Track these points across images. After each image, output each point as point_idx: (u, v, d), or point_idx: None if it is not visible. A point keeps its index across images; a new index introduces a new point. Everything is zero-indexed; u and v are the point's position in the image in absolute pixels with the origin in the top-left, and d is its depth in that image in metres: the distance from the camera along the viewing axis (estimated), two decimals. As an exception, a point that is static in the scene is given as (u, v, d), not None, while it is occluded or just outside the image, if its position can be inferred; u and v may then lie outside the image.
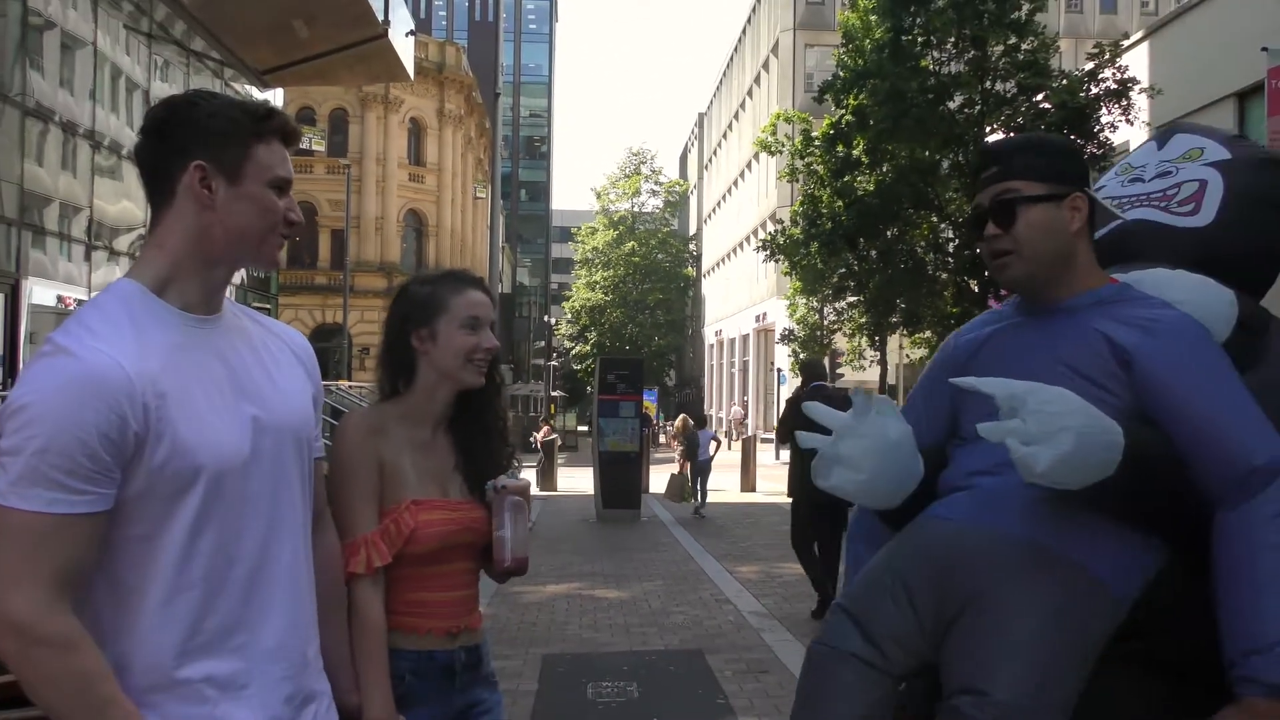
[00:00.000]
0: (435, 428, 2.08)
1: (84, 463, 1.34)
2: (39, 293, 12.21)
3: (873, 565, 1.76)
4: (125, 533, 1.41)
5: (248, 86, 20.51)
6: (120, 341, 1.40)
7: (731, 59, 50.67)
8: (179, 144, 1.49)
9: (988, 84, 17.78)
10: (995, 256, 1.78)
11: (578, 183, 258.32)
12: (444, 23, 67.23)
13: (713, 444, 16.06)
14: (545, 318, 57.06)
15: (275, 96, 22.79)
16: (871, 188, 18.33)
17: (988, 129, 17.77)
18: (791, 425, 7.19)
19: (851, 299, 21.03)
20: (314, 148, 33.49)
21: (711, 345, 53.81)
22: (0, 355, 11.31)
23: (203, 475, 1.44)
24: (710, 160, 57.84)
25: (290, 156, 1.59)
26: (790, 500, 7.90)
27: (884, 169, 18.38)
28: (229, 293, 1.65)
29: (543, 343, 57.13)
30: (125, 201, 14.58)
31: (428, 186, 41.14)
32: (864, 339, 22.40)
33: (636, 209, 54.30)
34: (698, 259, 58.21)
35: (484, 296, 2.13)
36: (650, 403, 36.04)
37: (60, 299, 12.82)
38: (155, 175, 1.51)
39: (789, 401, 8.10)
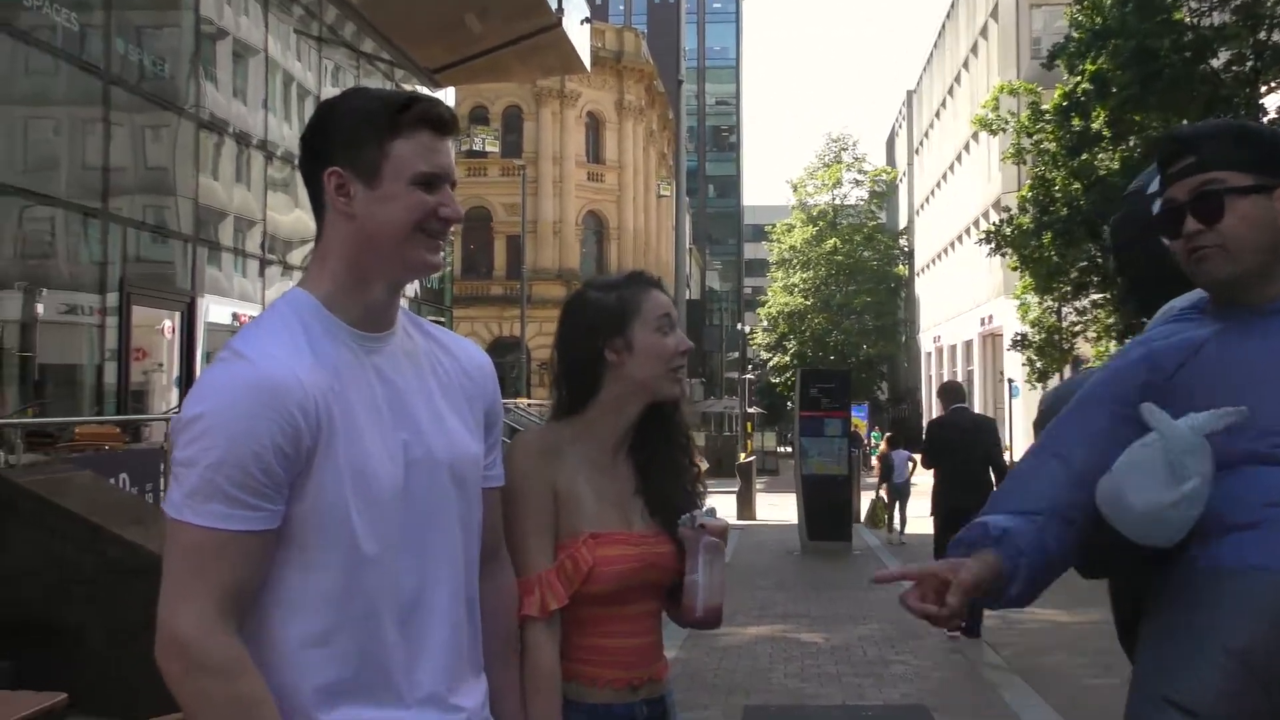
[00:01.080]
0: (617, 449, 2.07)
1: (258, 476, 1.40)
2: (215, 311, 13.20)
3: (1181, 644, 1.58)
4: (279, 558, 1.46)
5: (419, 88, 21.64)
6: (296, 350, 1.47)
7: (944, 27, 49.27)
8: (319, 151, 1.54)
9: (1261, 35, 16.41)
10: (1194, 254, 1.75)
11: (771, 176, 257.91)
12: (621, 7, 68.79)
13: (908, 464, 15.75)
14: (739, 326, 57.22)
15: (447, 96, 23.91)
16: (1116, 165, 17.33)
17: (1262, 89, 16.43)
18: (935, 449, 8.89)
19: (1095, 296, 19.95)
20: (487, 149, 34.95)
21: (929, 353, 52.33)
22: (177, 376, 12.30)
23: (359, 503, 1.47)
24: (921, 144, 56.40)
25: (454, 152, 1.59)
26: (933, 518, 8.96)
27: (1130, 143, 17.38)
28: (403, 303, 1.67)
29: (736, 354, 57.27)
30: (298, 211, 15.58)
31: (608, 185, 42.04)
32: (1111, 343, 21.10)
33: (838, 202, 53.65)
34: (910, 255, 56.83)
35: (666, 297, 2.14)
36: (860, 419, 35.43)
37: (235, 316, 13.82)
38: (309, 186, 1.57)
39: (930, 425, 9.29)
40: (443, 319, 21.48)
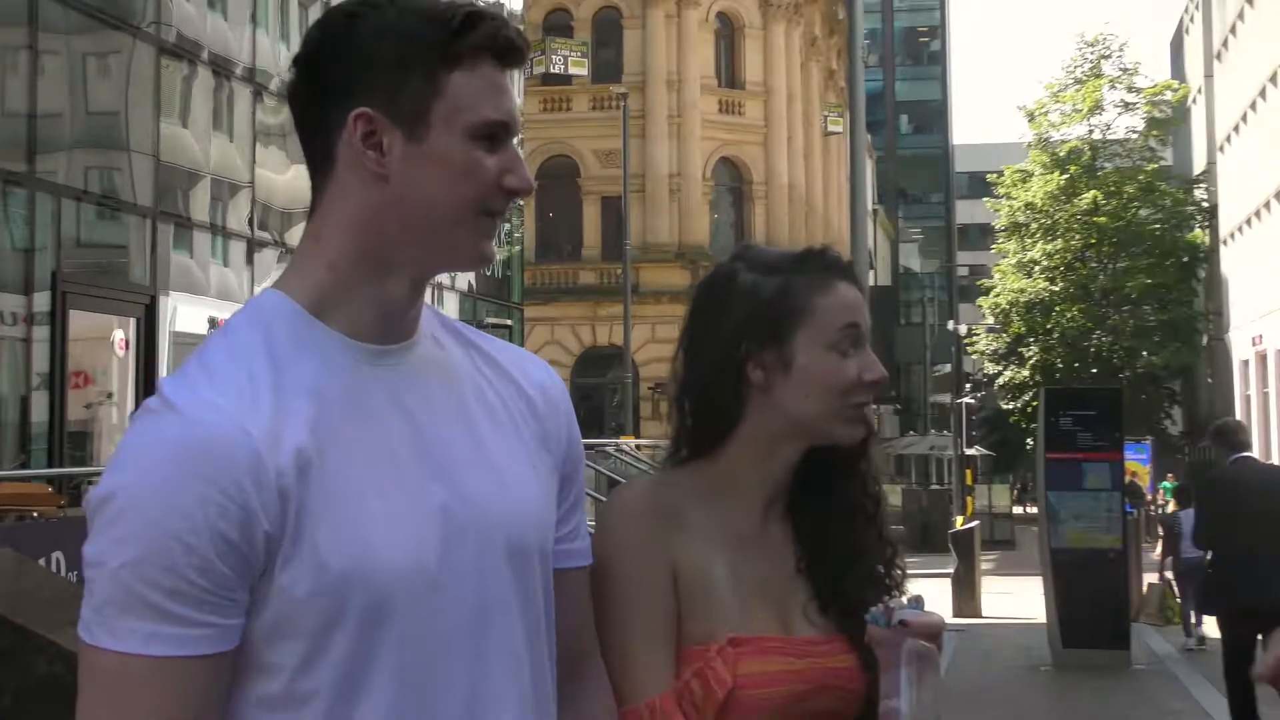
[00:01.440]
0: (768, 510, 2.08)
1: (193, 579, 1.41)
2: (184, 314, 13.59)
3: None
4: (250, 691, 1.48)
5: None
6: (250, 388, 1.49)
7: None
8: (334, 82, 1.56)
9: None
10: None
11: (994, 99, 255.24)
12: None
13: None
14: (950, 324, 56.56)
15: (511, -4, 24.34)
16: None
17: None
18: (1211, 522, 9.20)
19: None
20: (571, 71, 35.34)
21: (1244, 361, 50.99)
22: (133, 410, 12.69)
23: (360, 602, 1.49)
24: (1225, 44, 55.15)
25: (515, 83, 1.63)
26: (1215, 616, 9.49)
27: None
28: (430, 295, 1.71)
29: (948, 366, 56.65)
30: (297, 169, 15.93)
31: (749, 120, 42.10)
32: None
33: (1097, 135, 52.77)
34: (1211, 214, 55.57)
35: (857, 293, 2.12)
36: (1139, 464, 34.67)
37: (213, 322, 14.22)
38: (308, 130, 1.61)
39: (1203, 484, 10.02)
40: (508, 322, 21.81)
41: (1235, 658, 8.74)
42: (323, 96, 1.57)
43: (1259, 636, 7.94)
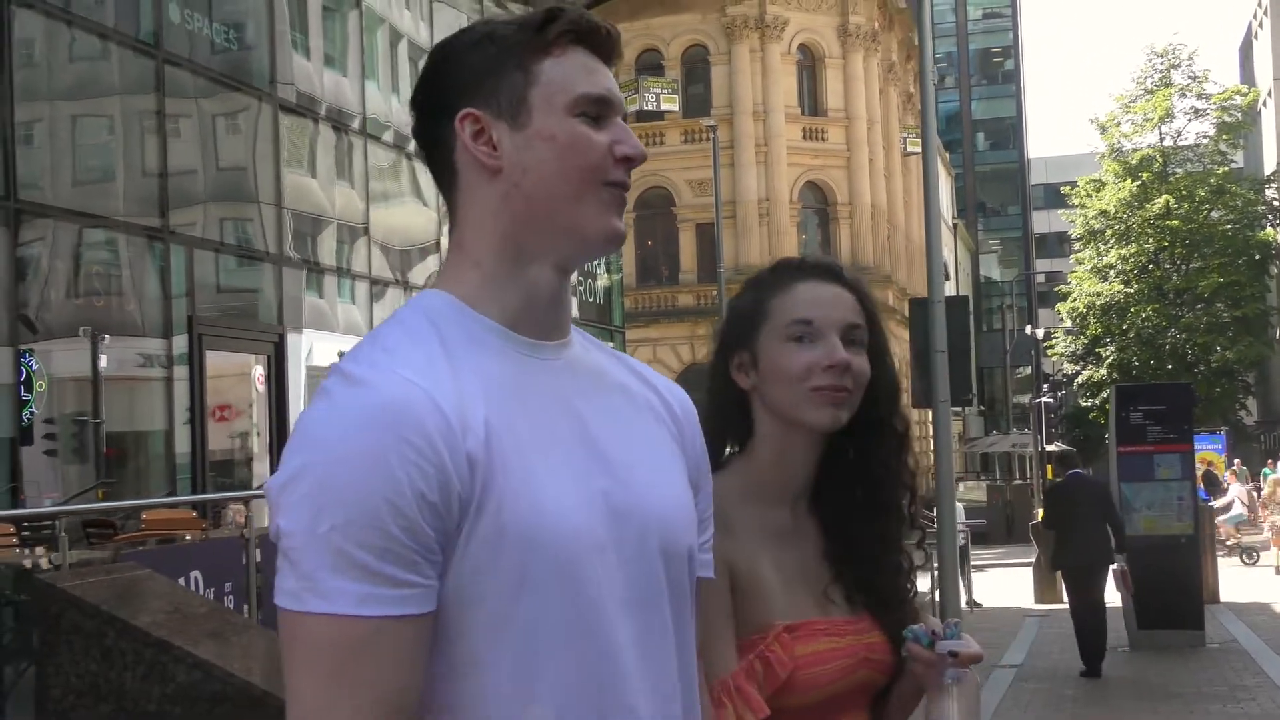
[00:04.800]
0: (795, 505, 2.13)
1: (401, 538, 1.37)
2: (318, 350, 13.81)
3: None
4: (437, 658, 1.43)
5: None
6: (430, 365, 1.45)
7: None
8: (442, 99, 1.57)
9: None
10: None
11: (1068, 114, 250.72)
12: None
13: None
14: (1029, 328, 55.76)
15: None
16: None
17: None
18: (1052, 515, 13.20)
19: None
20: (663, 107, 35.30)
21: (1317, 353, 49.81)
22: (271, 441, 12.95)
23: (541, 565, 1.45)
24: (1291, 49, 53.90)
25: (618, 86, 1.59)
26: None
27: None
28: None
29: (1028, 369, 55.82)
30: (407, 206, 16.05)
31: (832, 145, 41.84)
32: None
33: (1168, 143, 51.74)
34: (1281, 212, 54.29)
35: (833, 289, 2.14)
36: (1214, 454, 33.92)
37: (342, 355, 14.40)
38: (432, 149, 1.60)
39: (1050, 489, 13.27)
40: (611, 344, 21.86)
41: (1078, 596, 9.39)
42: (436, 115, 1.57)
43: None
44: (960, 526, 20.43)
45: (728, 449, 2.18)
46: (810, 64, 42.03)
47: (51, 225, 10.73)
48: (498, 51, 1.55)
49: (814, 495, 2.15)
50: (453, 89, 1.56)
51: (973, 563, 20.80)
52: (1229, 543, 23.85)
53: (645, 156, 1.59)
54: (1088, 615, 12.40)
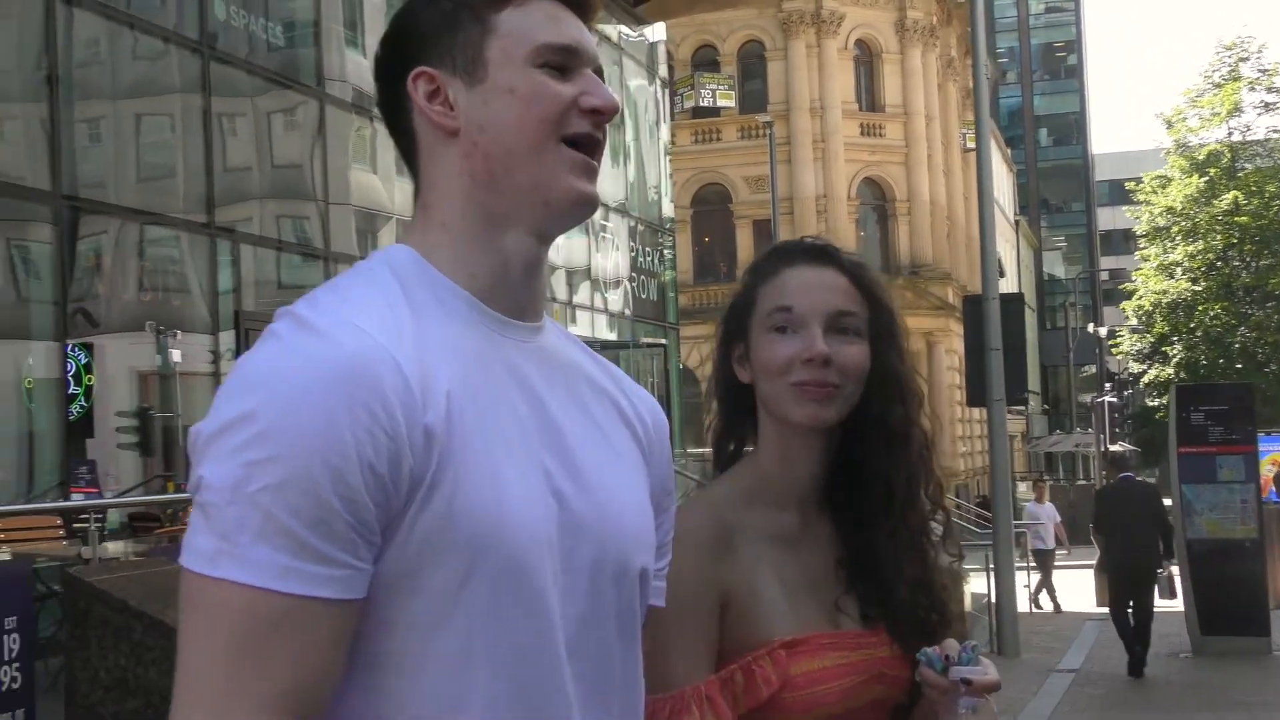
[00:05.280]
0: (804, 508, 2.03)
1: (338, 510, 1.23)
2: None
3: None
4: (361, 651, 1.30)
5: (619, 27, 22.17)
6: (396, 326, 1.32)
7: None
8: (399, 59, 1.47)
9: None
10: None
11: (1132, 110, 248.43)
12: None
13: None
14: (1092, 327, 55.30)
15: (655, 32, 24.43)
16: None
17: None
18: (1101, 519, 13.22)
19: None
20: (719, 103, 35.31)
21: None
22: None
23: (492, 563, 1.31)
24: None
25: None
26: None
27: None
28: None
29: (1092, 368, 55.37)
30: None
31: (890, 141, 41.70)
32: None
33: (1236, 138, 51.13)
34: (1353, 208, 53.56)
35: (823, 274, 2.02)
36: (1280, 455, 33.43)
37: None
38: (391, 115, 1.50)
39: (1098, 494, 13.54)
40: (664, 341, 21.81)
41: (1117, 602, 9.68)
42: (393, 79, 1.47)
43: None
44: (1035, 527, 20.30)
45: (732, 449, 2.10)
46: (867, 59, 41.97)
47: (110, 222, 10.87)
48: (454, 6, 1.45)
49: (828, 497, 2.04)
50: (408, 49, 1.46)
51: (1031, 564, 20.60)
52: None
53: (617, 108, 1.46)
54: (1134, 618, 12.43)
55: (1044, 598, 20.05)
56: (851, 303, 1.99)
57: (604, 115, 1.44)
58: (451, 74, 1.43)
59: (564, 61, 1.43)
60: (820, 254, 2.05)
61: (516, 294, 1.44)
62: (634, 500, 1.51)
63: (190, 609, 1.23)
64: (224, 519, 1.21)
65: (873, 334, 1.99)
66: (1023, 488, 32.35)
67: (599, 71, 1.47)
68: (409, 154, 1.48)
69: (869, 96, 41.91)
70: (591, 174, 1.45)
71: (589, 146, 1.44)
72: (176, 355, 10.91)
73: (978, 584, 14.74)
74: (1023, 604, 15.61)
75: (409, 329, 1.32)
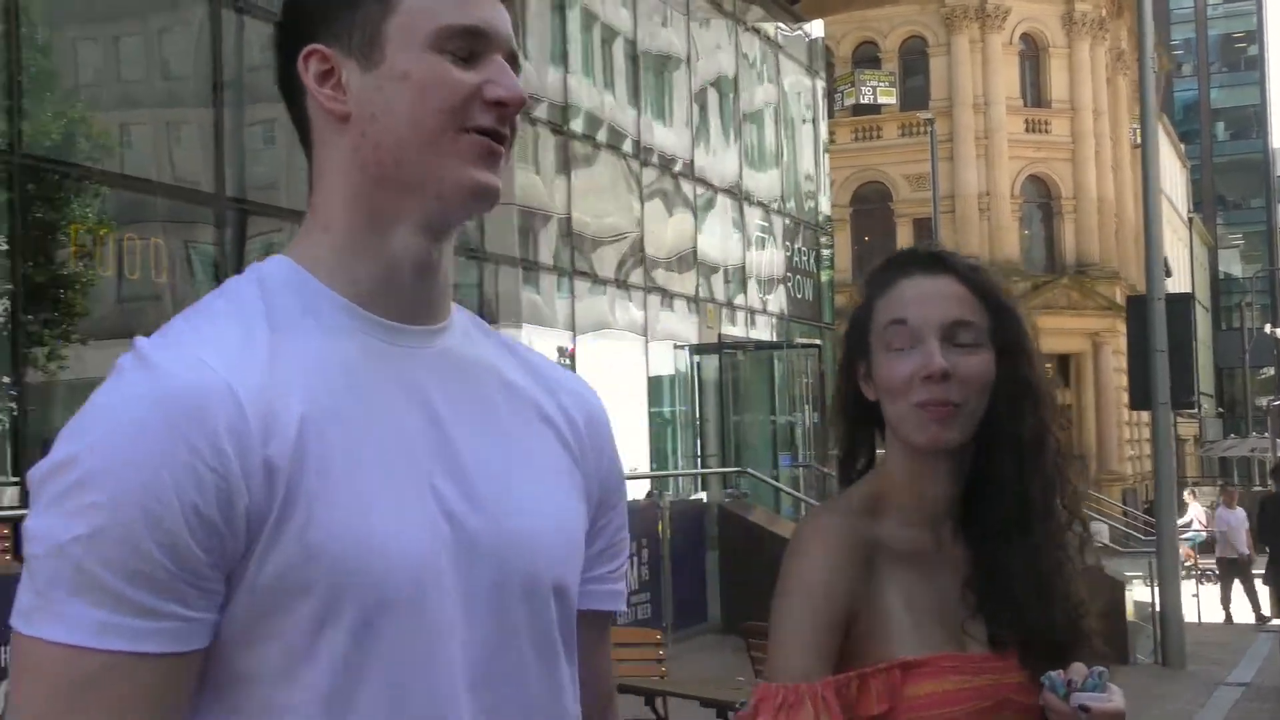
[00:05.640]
0: (936, 528, 1.96)
1: (157, 559, 1.15)
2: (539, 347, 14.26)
3: None
4: (217, 703, 1.24)
5: (777, 24, 22.04)
6: (238, 347, 1.24)
7: None
8: (295, 36, 1.36)
9: None
10: None
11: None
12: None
13: None
14: (1270, 328, 53.41)
15: (814, 29, 24.24)
16: None
17: None
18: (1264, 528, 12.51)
19: None
20: (880, 100, 34.94)
21: None
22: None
23: (355, 601, 1.23)
24: None
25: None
26: None
27: None
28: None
29: (1270, 370, 53.59)
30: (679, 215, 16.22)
31: (1056, 138, 40.82)
32: None
33: None
34: None
35: (937, 282, 1.95)
36: None
37: (561, 352, 14.74)
38: (287, 96, 1.39)
39: (1262, 503, 12.63)
40: (819, 341, 21.64)
41: None
42: (287, 60, 1.35)
43: None
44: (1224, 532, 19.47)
45: (861, 465, 2.05)
46: (1033, 54, 41.15)
47: (283, 223, 11.15)
48: None
49: (963, 515, 1.97)
50: (304, 25, 1.34)
51: (1200, 570, 19.97)
52: None
53: (523, 101, 1.34)
54: None
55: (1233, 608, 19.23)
56: (969, 311, 1.92)
57: (509, 108, 1.32)
58: (347, 54, 1.32)
59: (470, 46, 1.31)
60: (935, 262, 1.98)
61: (407, 297, 1.33)
62: (550, 510, 1.40)
63: (14, 669, 1.18)
64: (41, 573, 1.16)
65: (996, 341, 1.92)
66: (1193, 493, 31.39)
67: (512, 57, 1.35)
68: (305, 144, 1.38)
69: (1034, 92, 41.09)
70: (494, 161, 1.33)
71: (495, 135, 1.32)
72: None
73: (1141, 592, 14.33)
74: (1190, 613, 15.12)
75: (262, 353, 1.24)
